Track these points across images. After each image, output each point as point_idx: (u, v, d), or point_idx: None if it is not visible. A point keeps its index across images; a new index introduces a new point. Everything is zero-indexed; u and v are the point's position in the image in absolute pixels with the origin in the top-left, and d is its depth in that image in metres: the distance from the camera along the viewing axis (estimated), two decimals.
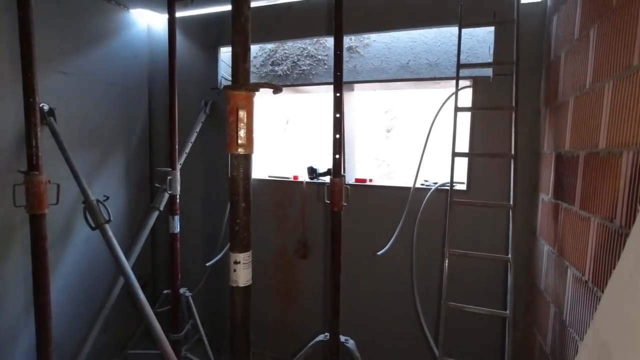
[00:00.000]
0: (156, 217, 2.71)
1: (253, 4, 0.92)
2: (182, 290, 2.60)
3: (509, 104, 2.13)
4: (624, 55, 1.19)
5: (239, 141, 0.93)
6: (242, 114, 0.92)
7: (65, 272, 2.46)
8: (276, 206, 2.85)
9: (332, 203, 1.86)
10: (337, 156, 1.86)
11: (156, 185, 2.71)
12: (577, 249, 1.49)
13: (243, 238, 0.99)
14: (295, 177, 2.90)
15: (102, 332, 2.46)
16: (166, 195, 2.65)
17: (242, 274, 1.00)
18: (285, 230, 2.83)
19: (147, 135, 3.16)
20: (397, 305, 2.55)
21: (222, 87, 3.01)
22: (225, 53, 3.07)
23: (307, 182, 2.79)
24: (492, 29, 2.32)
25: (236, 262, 1.00)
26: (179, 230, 2.51)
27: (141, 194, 3.09)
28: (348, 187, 1.88)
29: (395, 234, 2.44)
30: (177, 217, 2.49)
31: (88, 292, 2.61)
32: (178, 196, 2.50)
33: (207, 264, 2.77)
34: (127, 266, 2.29)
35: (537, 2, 2.19)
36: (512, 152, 1.99)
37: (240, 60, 0.95)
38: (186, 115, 2.83)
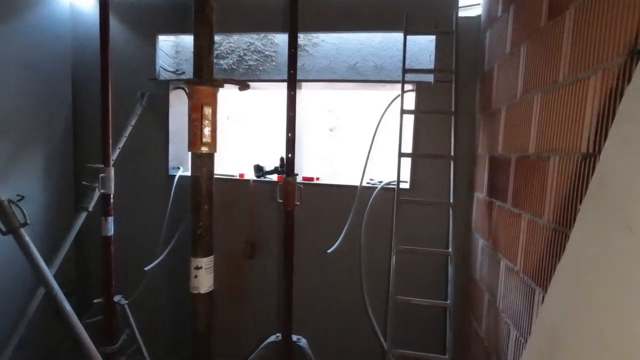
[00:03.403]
0: (85, 219, 2.45)
1: None
2: (116, 298, 2.38)
3: (449, 108, 2.31)
4: (551, 72, 1.35)
5: (204, 139, 0.87)
6: (207, 111, 0.87)
7: None
8: (222, 206, 2.73)
9: (285, 203, 1.84)
10: (290, 155, 1.85)
11: (83, 183, 2.44)
12: (509, 243, 1.66)
13: (206, 242, 0.94)
14: (241, 176, 2.81)
15: (18, 350, 2.15)
16: (97, 194, 2.40)
17: (205, 279, 0.94)
18: (232, 230, 2.74)
19: (71, 127, 2.83)
20: (347, 301, 2.61)
21: (160, 77, 2.80)
22: (165, 42, 2.87)
23: (254, 181, 2.73)
24: (433, 37, 2.48)
25: (198, 268, 0.94)
26: (112, 232, 2.29)
27: (64, 193, 2.76)
28: (301, 186, 1.88)
29: (344, 231, 2.49)
30: (110, 219, 2.26)
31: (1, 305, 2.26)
32: (112, 195, 2.27)
33: (146, 268, 2.57)
34: (49, 275, 2.03)
35: (473, 17, 2.39)
36: (452, 153, 2.16)
37: (205, 53, 0.89)
38: (120, 107, 2.59)
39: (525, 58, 1.60)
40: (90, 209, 2.43)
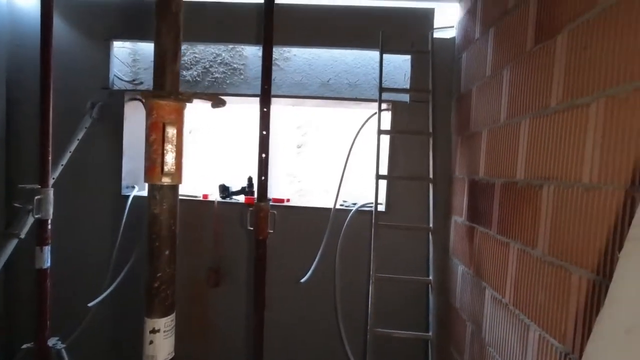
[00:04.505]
0: (15, 246, 2.08)
1: None
2: (51, 342, 2.02)
3: (424, 128, 2.25)
4: (541, 96, 1.30)
5: (165, 168, 0.69)
6: (170, 131, 0.68)
7: None
8: (183, 229, 2.45)
9: (256, 230, 1.65)
10: (263, 178, 1.67)
11: (15, 205, 2.09)
12: (495, 272, 1.58)
13: (165, 297, 0.73)
14: (205, 196, 2.57)
15: None
16: (31, 220, 2.06)
17: (163, 345, 0.74)
18: (194, 255, 2.46)
19: (4, 136, 2.46)
20: (321, 329, 2.41)
21: (114, 87, 2.53)
22: (120, 49, 2.61)
23: (219, 202, 2.50)
24: (407, 57, 2.43)
25: (154, 331, 0.73)
26: (49, 264, 1.96)
27: None
28: (275, 213, 1.70)
29: (317, 258, 2.32)
30: (47, 249, 1.94)
31: None
32: (50, 221, 1.95)
33: (90, 304, 2.23)
34: None
35: (447, 39, 2.38)
36: (431, 175, 2.09)
37: (169, 59, 0.71)
38: (65, 119, 2.28)
39: (509, 81, 1.56)
40: (23, 235, 2.08)
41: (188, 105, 2.43)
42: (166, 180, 0.70)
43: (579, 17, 1.10)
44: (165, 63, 0.72)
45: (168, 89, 0.70)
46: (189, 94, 0.70)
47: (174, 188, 0.73)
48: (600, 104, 1.00)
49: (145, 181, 0.70)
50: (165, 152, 0.68)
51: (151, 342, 0.72)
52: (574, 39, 1.13)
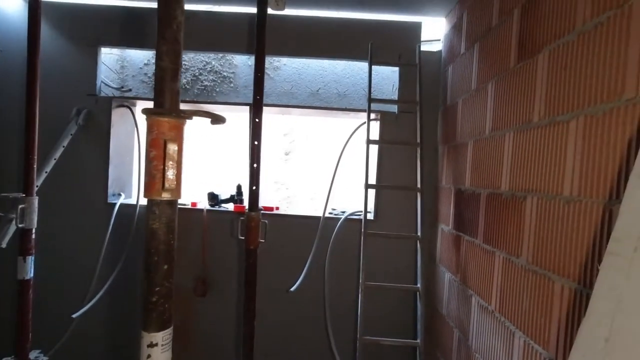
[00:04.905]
0: None
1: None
2: (33, 355, 1.96)
3: (412, 139, 2.30)
4: (524, 111, 1.36)
5: (166, 184, 0.70)
6: (171, 148, 0.70)
7: None
8: None
9: (247, 240, 1.66)
10: (255, 187, 1.68)
11: None
12: (481, 280, 1.63)
13: (163, 311, 0.74)
14: (194, 204, 2.56)
15: None
16: (12, 229, 2.01)
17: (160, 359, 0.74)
18: (181, 264, 2.44)
19: None
20: (310, 338, 2.42)
21: (101, 94, 2.50)
22: (108, 55, 2.59)
23: (207, 210, 2.49)
24: (395, 68, 2.49)
25: (152, 345, 0.73)
26: (32, 275, 1.91)
27: None
28: (266, 222, 1.71)
29: (306, 266, 2.33)
30: (30, 259, 1.89)
31: None
32: (34, 230, 1.91)
33: (74, 315, 2.18)
34: None
35: (434, 52, 2.45)
36: (419, 185, 2.14)
37: (169, 77, 0.73)
38: (49, 125, 2.24)
39: (493, 95, 1.63)
40: (4, 245, 2.03)
41: None
42: (166, 196, 0.71)
43: (559, 39, 1.17)
44: (165, 80, 0.73)
45: (168, 107, 0.72)
46: (190, 111, 0.72)
47: (173, 203, 0.74)
48: (580, 122, 1.06)
49: (145, 196, 0.71)
50: (166, 168, 0.69)
51: (149, 357, 0.73)
52: (554, 59, 1.19)
